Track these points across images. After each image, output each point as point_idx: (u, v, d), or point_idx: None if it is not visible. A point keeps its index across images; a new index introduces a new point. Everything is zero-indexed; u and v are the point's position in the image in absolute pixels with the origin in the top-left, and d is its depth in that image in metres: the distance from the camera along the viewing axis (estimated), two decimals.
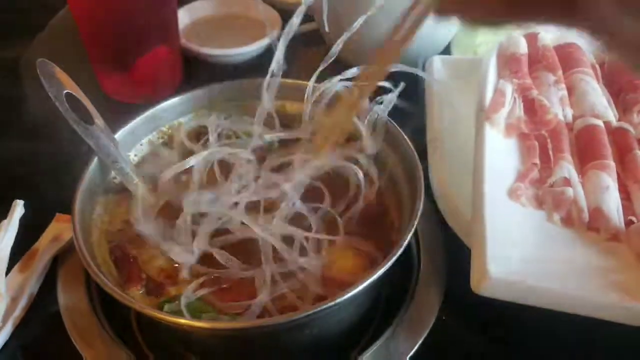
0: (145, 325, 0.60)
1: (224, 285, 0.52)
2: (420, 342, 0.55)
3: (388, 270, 0.48)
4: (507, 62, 0.68)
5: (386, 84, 0.59)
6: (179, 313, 0.49)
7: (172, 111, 0.67)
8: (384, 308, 0.61)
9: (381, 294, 0.61)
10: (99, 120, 0.59)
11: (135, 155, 0.64)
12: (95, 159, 0.58)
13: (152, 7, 0.78)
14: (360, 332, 0.59)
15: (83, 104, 0.59)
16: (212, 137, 0.64)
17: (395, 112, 0.61)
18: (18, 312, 0.59)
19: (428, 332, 0.56)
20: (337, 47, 0.61)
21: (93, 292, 0.60)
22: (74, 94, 0.58)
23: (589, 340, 0.55)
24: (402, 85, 0.60)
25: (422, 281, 0.60)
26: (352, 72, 0.60)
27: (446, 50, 0.86)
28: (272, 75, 0.63)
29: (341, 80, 0.61)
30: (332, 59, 0.61)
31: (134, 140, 0.64)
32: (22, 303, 0.59)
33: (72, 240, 0.52)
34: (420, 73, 0.63)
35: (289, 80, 0.65)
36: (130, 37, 0.78)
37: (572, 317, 0.50)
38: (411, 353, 0.55)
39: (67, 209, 0.54)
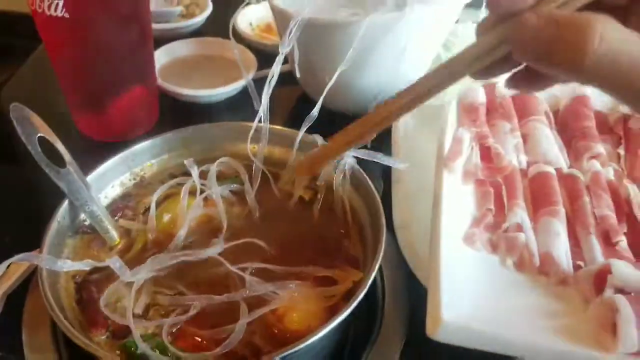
0: None
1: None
2: None
3: (351, 312, 0.50)
4: (467, 111, 0.71)
5: None
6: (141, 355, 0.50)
7: (146, 153, 0.69)
8: (349, 352, 0.62)
9: (346, 339, 0.63)
10: (71, 165, 0.60)
11: (106, 196, 0.66)
12: (66, 202, 0.60)
13: (129, 48, 0.80)
14: None
15: (56, 147, 0.61)
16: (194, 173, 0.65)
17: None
18: None
19: None
20: (316, 109, 0.65)
21: (60, 341, 0.60)
22: (47, 137, 0.60)
23: None
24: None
25: (385, 324, 0.62)
26: None
27: None
28: (260, 122, 0.67)
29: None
30: (313, 120, 0.65)
31: (106, 182, 0.66)
32: None
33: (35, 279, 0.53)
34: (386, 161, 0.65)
35: (277, 127, 0.69)
36: (106, 78, 0.80)
37: None
38: None
39: (34, 247, 0.55)
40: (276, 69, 0.65)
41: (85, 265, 0.54)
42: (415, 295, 0.63)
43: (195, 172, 0.63)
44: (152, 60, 0.87)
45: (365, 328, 0.62)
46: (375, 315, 0.63)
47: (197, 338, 0.53)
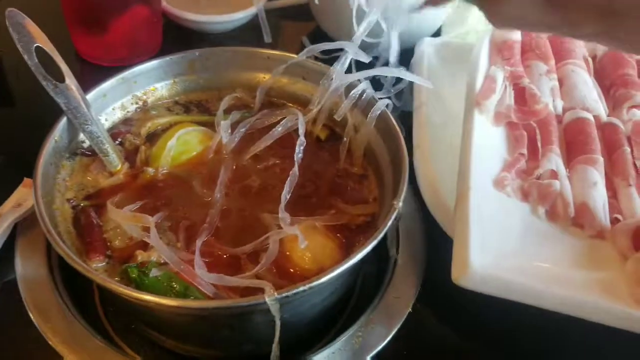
0: (107, 301, 0.57)
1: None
2: (392, 334, 0.54)
3: (365, 256, 0.46)
4: (500, 49, 0.66)
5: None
6: (144, 282, 0.47)
7: (148, 76, 0.63)
8: (358, 295, 0.60)
9: (356, 281, 0.60)
10: (69, 79, 0.56)
11: (106, 119, 0.61)
12: (64, 120, 0.55)
13: None
14: (332, 321, 0.58)
15: (54, 60, 0.56)
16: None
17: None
18: None
19: (402, 322, 0.54)
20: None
21: (53, 263, 0.57)
22: (44, 48, 0.55)
23: (567, 336, 0.54)
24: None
25: (400, 269, 0.59)
26: None
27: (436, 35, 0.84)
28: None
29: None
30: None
31: (106, 104, 0.61)
32: None
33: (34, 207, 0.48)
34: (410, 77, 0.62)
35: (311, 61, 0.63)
36: None
37: (552, 314, 0.48)
38: (383, 344, 0.53)
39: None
40: None
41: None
42: (433, 242, 0.60)
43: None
44: None
45: (376, 270, 0.60)
46: (391, 256, 0.60)
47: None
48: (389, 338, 0.53)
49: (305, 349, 0.54)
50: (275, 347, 0.46)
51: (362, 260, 0.47)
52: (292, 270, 0.50)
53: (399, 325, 0.54)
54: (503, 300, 0.48)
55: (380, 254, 0.60)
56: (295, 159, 0.55)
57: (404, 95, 0.73)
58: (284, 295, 0.43)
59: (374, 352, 0.52)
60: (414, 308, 0.55)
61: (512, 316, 0.52)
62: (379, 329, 0.54)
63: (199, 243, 0.48)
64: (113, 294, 0.44)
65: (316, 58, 0.64)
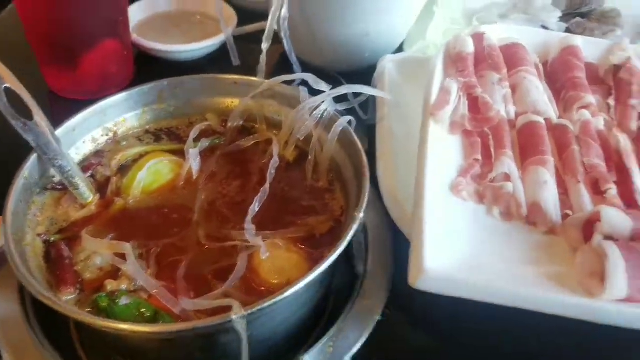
0: (84, 334, 0.58)
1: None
2: (363, 341, 0.55)
3: (329, 268, 0.48)
4: (454, 61, 0.68)
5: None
6: (114, 310, 0.48)
7: (118, 107, 0.65)
8: (333, 305, 0.61)
9: (329, 292, 0.61)
10: (38, 116, 0.57)
11: (77, 152, 0.63)
12: (34, 156, 0.57)
13: None
14: (310, 332, 0.59)
15: (23, 99, 0.58)
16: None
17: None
18: None
19: (373, 329, 0.56)
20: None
21: (27, 299, 0.57)
22: (12, 88, 0.56)
23: (538, 337, 0.55)
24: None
25: (369, 278, 0.60)
26: None
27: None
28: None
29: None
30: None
31: (76, 138, 0.63)
32: None
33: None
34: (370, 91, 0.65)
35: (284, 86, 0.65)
36: (75, 29, 0.76)
37: (523, 316, 0.50)
38: (354, 351, 0.55)
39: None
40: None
41: None
42: (400, 250, 0.62)
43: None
44: (124, 12, 0.83)
45: (348, 284, 0.61)
46: (358, 272, 0.61)
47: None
48: (359, 345, 0.55)
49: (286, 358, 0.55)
50: None
51: (329, 272, 0.48)
52: (260, 287, 0.52)
53: (369, 332, 0.56)
54: (472, 304, 0.50)
55: (353, 266, 0.62)
56: (267, 176, 0.58)
57: (370, 108, 0.76)
58: (249, 312, 0.44)
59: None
60: (384, 314, 0.57)
61: (481, 319, 0.53)
62: (351, 336, 0.55)
63: (181, 271, 0.51)
64: (86, 326, 0.46)
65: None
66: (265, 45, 0.76)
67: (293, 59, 0.79)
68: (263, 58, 0.76)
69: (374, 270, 0.61)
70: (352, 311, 0.57)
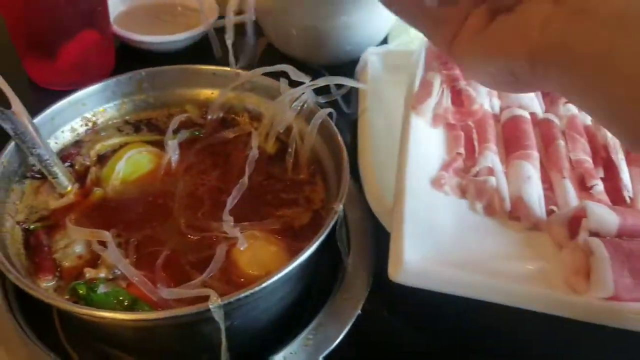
0: (65, 322, 0.57)
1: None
2: (343, 335, 0.55)
3: (308, 259, 0.47)
4: (437, 55, 0.68)
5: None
6: (93, 298, 0.47)
7: (97, 97, 0.64)
8: (316, 298, 0.61)
9: (311, 284, 0.61)
10: (16, 105, 0.56)
11: (56, 142, 0.62)
12: (12, 145, 0.56)
13: None
14: (292, 324, 0.58)
15: (1, 89, 0.56)
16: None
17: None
18: None
19: (352, 323, 0.56)
20: None
21: (8, 287, 0.57)
22: None
23: (521, 334, 0.55)
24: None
25: (350, 272, 0.60)
26: None
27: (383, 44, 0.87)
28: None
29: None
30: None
31: (55, 127, 0.62)
32: None
33: None
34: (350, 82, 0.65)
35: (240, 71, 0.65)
36: (54, 19, 0.75)
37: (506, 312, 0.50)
38: (333, 346, 0.54)
39: None
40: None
41: None
42: (382, 243, 0.61)
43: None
44: (103, 2, 0.82)
45: (330, 277, 0.60)
46: (339, 265, 0.61)
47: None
48: (339, 339, 0.54)
49: (267, 351, 0.55)
50: (224, 354, 0.47)
51: (309, 264, 0.48)
52: (240, 278, 0.51)
53: (349, 326, 0.55)
54: (453, 298, 0.50)
55: (335, 258, 0.62)
56: (246, 168, 0.57)
57: (352, 102, 0.76)
58: (226, 302, 0.44)
59: (325, 353, 0.53)
60: (365, 308, 0.56)
61: (463, 315, 0.53)
62: (330, 331, 0.55)
63: (160, 261, 0.50)
64: (68, 313, 0.45)
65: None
66: (228, 36, 0.76)
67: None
68: (230, 50, 0.75)
69: (355, 264, 0.60)
70: (332, 305, 0.57)
